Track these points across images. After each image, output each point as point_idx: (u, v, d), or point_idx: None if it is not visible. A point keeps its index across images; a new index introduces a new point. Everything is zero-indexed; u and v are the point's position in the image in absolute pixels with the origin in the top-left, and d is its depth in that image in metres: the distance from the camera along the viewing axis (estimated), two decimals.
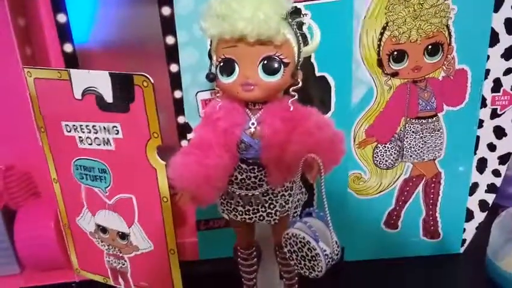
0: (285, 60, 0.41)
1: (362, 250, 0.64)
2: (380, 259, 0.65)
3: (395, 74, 0.56)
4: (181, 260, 0.55)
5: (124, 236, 0.56)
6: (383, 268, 0.64)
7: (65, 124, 0.52)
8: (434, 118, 0.58)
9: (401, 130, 0.59)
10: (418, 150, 0.60)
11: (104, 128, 0.50)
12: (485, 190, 0.63)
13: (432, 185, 0.62)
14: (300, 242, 0.42)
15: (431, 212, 0.63)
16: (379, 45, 0.54)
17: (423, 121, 0.58)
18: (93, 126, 0.50)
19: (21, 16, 0.54)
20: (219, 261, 0.63)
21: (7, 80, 0.60)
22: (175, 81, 0.63)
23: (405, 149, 0.60)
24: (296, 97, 0.43)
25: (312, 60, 0.54)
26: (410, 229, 0.64)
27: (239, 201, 0.47)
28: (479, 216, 0.64)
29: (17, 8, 0.53)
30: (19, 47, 0.53)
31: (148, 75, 0.46)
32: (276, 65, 0.41)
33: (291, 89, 0.43)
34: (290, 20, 0.41)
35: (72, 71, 0.49)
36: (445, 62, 0.55)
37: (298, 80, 0.43)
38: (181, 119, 0.64)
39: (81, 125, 0.51)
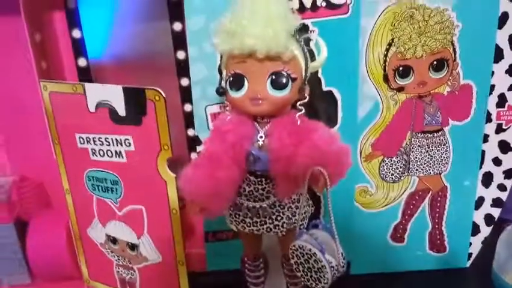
0: (293, 76, 0.42)
1: (367, 263, 0.65)
2: (386, 273, 0.65)
3: (400, 89, 0.57)
4: (188, 271, 0.56)
5: (133, 246, 0.56)
6: (389, 282, 0.64)
7: (78, 136, 0.53)
8: (440, 132, 0.59)
9: (407, 144, 0.60)
10: (424, 164, 0.60)
11: (117, 140, 0.51)
12: (491, 204, 0.63)
13: (439, 198, 0.62)
14: (307, 254, 0.43)
15: (437, 226, 0.63)
16: (385, 61, 0.55)
17: (429, 135, 0.59)
18: (106, 138, 0.52)
19: (37, 31, 0.56)
20: (227, 273, 0.64)
21: (23, 93, 0.61)
22: (185, 94, 0.64)
23: (411, 163, 0.60)
24: (303, 111, 0.44)
25: (319, 75, 0.55)
26: (416, 243, 0.64)
27: (247, 213, 0.48)
28: (485, 230, 0.64)
29: (34, 24, 0.55)
30: (35, 61, 0.55)
31: (159, 90, 0.47)
32: (284, 80, 0.42)
33: (298, 103, 0.45)
34: (298, 36, 0.43)
35: (86, 84, 0.50)
36: (450, 78, 0.56)
37: (306, 94, 0.44)
38: (190, 132, 0.66)
39: (94, 138, 0.52)
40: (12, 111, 0.65)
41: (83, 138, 0.53)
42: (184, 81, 0.63)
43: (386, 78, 0.56)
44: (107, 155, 0.53)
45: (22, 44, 0.55)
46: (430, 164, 0.60)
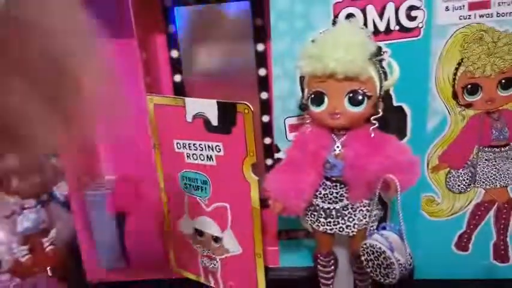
0: (368, 94, 0.48)
1: (432, 269, 0.67)
2: (449, 279, 0.67)
3: (469, 105, 0.60)
4: (264, 265, 0.62)
5: (217, 239, 0.64)
6: None
7: (176, 142, 0.62)
8: (507, 147, 0.61)
9: (473, 157, 0.63)
10: (491, 177, 0.63)
11: (209, 146, 0.60)
12: None
13: (504, 210, 0.64)
14: (377, 251, 0.48)
15: (502, 237, 0.65)
16: (454, 79, 0.59)
17: (496, 150, 0.62)
18: (199, 144, 0.60)
19: (144, 52, 0.66)
20: (298, 268, 0.70)
21: (130, 103, 0.71)
22: (264, 107, 0.72)
23: (477, 176, 0.63)
24: (376, 125, 0.50)
25: (391, 91, 0.60)
26: (481, 252, 0.66)
27: (322, 214, 0.54)
28: None
29: (142, 45, 0.65)
30: (143, 76, 0.65)
31: (248, 104, 0.55)
32: (360, 98, 0.48)
33: (372, 118, 0.50)
34: (374, 59, 0.48)
35: (186, 99, 0.59)
36: None
37: (379, 110, 0.50)
38: (267, 140, 0.73)
39: (189, 143, 0.61)
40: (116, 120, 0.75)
41: (180, 144, 0.62)
42: (264, 95, 0.71)
43: (454, 95, 0.60)
44: (200, 159, 0.61)
45: (134, 62, 0.64)
46: (497, 177, 0.63)
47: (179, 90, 0.72)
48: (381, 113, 0.50)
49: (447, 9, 0.57)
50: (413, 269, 0.67)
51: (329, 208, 0.53)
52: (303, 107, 0.51)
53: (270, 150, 0.71)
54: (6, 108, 0.30)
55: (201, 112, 0.58)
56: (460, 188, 0.64)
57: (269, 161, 0.73)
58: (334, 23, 0.56)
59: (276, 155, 0.66)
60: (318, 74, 0.48)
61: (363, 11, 0.57)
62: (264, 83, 0.70)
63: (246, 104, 0.55)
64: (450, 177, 0.64)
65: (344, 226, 0.54)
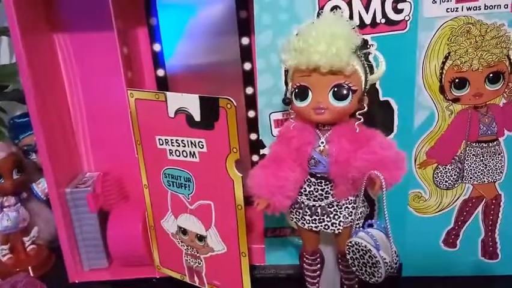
0: (353, 88, 0.47)
1: (419, 266, 0.67)
2: (437, 276, 0.67)
3: (456, 100, 0.59)
4: (249, 264, 0.61)
5: (201, 238, 0.63)
6: (440, 286, 0.66)
7: (158, 138, 0.60)
8: (495, 142, 0.61)
9: (461, 153, 0.62)
10: (478, 172, 0.62)
11: (191, 142, 0.58)
12: None
13: (492, 206, 0.64)
14: (362, 250, 0.47)
15: (490, 233, 0.65)
16: (441, 73, 0.58)
17: (484, 145, 0.61)
18: (182, 140, 0.59)
19: (125, 45, 0.64)
20: (284, 266, 0.69)
21: (110, 99, 0.70)
22: (249, 102, 0.70)
23: (465, 171, 0.62)
24: (362, 120, 0.49)
25: (377, 85, 0.59)
26: (469, 249, 0.66)
27: (307, 211, 0.53)
28: None
29: (123, 39, 0.63)
30: (124, 71, 0.63)
31: (231, 99, 0.53)
32: (345, 92, 0.47)
33: (357, 113, 0.49)
34: (359, 52, 0.47)
35: (168, 93, 0.57)
36: (506, 90, 0.58)
37: (364, 105, 0.49)
38: (252, 136, 0.72)
39: (172, 139, 0.59)
40: (98, 116, 0.74)
41: (162, 140, 0.60)
42: (249, 90, 0.69)
43: (442, 90, 0.59)
44: (183, 155, 0.59)
45: (114, 57, 0.62)
46: (484, 172, 0.62)
47: (163, 85, 0.71)
48: (366, 108, 0.49)
49: (434, 1, 0.56)
50: (401, 266, 0.66)
51: (314, 206, 0.52)
52: (286, 102, 0.50)
53: (256, 146, 0.69)
54: None
55: (183, 107, 0.57)
56: (447, 184, 0.63)
57: (255, 158, 0.71)
58: (319, 15, 0.55)
59: (262, 151, 0.65)
60: (302, 68, 0.46)
61: (349, 4, 0.56)
62: (250, 78, 0.69)
63: (228, 98, 0.53)
64: (437, 173, 0.63)
65: (329, 224, 0.52)
